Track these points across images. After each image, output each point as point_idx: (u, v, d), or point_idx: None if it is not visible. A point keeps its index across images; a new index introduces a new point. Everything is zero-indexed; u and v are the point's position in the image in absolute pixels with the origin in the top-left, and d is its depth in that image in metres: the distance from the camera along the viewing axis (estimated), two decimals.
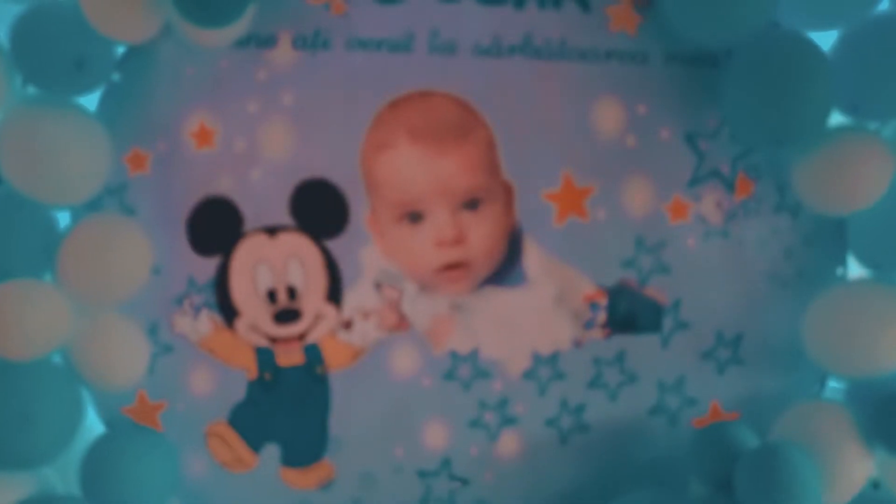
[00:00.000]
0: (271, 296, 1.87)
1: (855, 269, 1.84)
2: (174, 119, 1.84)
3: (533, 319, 1.89)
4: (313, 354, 1.90)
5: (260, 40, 1.82)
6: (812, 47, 1.66)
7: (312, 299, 1.88)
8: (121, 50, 1.79)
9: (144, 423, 1.90)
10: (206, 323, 1.88)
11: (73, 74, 1.64)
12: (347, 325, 1.89)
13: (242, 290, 1.87)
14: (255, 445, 1.92)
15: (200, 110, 1.84)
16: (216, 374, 1.90)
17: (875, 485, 1.84)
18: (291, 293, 1.87)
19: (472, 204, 1.83)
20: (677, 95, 1.83)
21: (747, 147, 1.83)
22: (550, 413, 1.91)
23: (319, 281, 1.87)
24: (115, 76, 1.82)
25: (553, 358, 1.90)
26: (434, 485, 1.93)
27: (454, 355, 1.90)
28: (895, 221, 1.72)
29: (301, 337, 1.89)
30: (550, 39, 1.81)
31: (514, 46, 1.82)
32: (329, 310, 1.88)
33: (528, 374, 1.90)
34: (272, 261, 1.86)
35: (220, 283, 1.87)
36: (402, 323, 1.89)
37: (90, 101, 1.80)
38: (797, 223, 1.86)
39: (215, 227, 1.86)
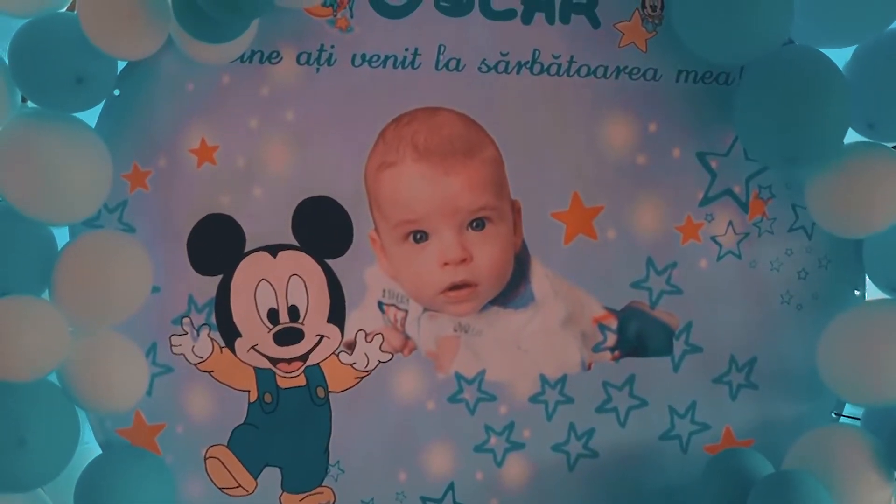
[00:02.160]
0: (272, 316, 1.83)
1: (873, 292, 1.79)
2: (175, 135, 1.80)
3: (540, 342, 1.84)
4: (315, 376, 1.85)
5: (263, 56, 1.79)
6: (828, 64, 1.62)
7: (314, 320, 1.83)
8: (122, 65, 1.76)
9: (141, 446, 1.85)
10: (206, 343, 1.84)
11: (73, 90, 1.60)
12: (350, 346, 1.84)
13: (243, 310, 1.83)
14: (255, 469, 1.88)
15: (201, 126, 1.80)
16: (216, 396, 1.86)
17: None
18: (293, 313, 1.83)
19: (478, 223, 1.79)
20: (689, 113, 1.78)
21: (761, 166, 1.78)
22: (558, 438, 1.86)
23: (322, 301, 1.83)
24: (116, 91, 1.78)
25: (561, 381, 1.85)
26: None
27: (459, 378, 1.85)
28: None
29: (303, 358, 1.85)
30: (559, 55, 1.78)
31: (521, 63, 1.78)
32: (331, 331, 1.84)
33: (535, 398, 1.85)
34: (274, 280, 1.82)
35: (221, 303, 1.83)
36: (406, 344, 1.85)
37: (89, 116, 1.77)
38: (812, 244, 1.81)
39: (216, 246, 1.82)
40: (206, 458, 1.87)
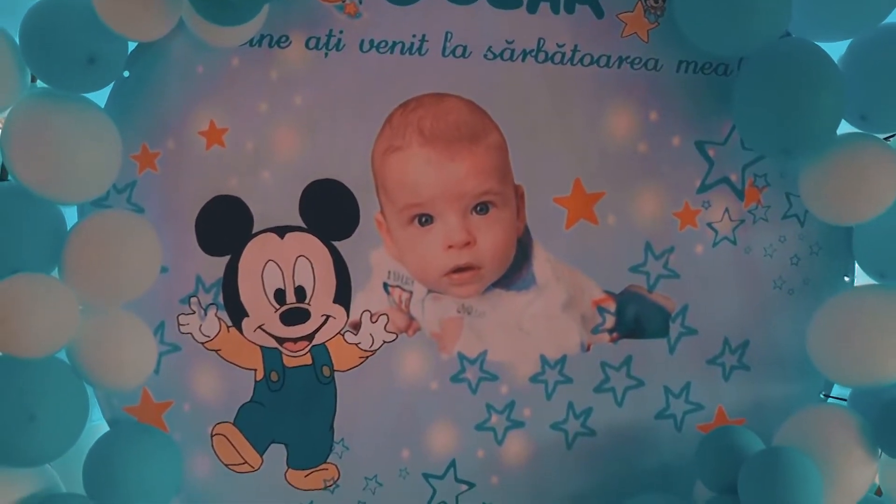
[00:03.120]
0: (279, 296, 1.86)
1: (862, 279, 1.86)
2: (184, 117, 1.83)
3: (541, 324, 1.89)
4: (321, 355, 1.89)
5: (272, 40, 1.81)
6: (823, 57, 1.68)
7: (321, 300, 1.87)
8: (131, 46, 1.77)
9: (149, 423, 1.88)
10: (214, 323, 1.87)
11: (84, 71, 1.61)
12: (355, 326, 1.88)
13: (250, 291, 1.86)
14: (261, 446, 1.91)
15: (211, 109, 1.83)
16: (223, 375, 1.89)
17: (877, 491, 1.86)
18: (300, 294, 1.87)
19: (482, 208, 1.84)
20: (689, 102, 1.84)
21: (757, 155, 1.84)
22: (557, 417, 1.92)
23: (328, 282, 1.87)
24: (125, 72, 1.80)
25: (560, 362, 1.90)
26: (440, 488, 1.93)
27: (462, 358, 1.90)
28: None
29: (308, 338, 1.88)
30: (563, 44, 1.82)
31: (526, 51, 1.82)
32: (337, 311, 1.88)
33: (536, 378, 1.91)
34: (281, 261, 1.86)
35: (228, 283, 1.86)
36: (410, 325, 1.89)
37: (98, 97, 1.79)
38: (805, 231, 1.87)
39: (224, 227, 1.85)
40: (212, 436, 1.90)
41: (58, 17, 1.64)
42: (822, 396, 1.93)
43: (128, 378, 1.79)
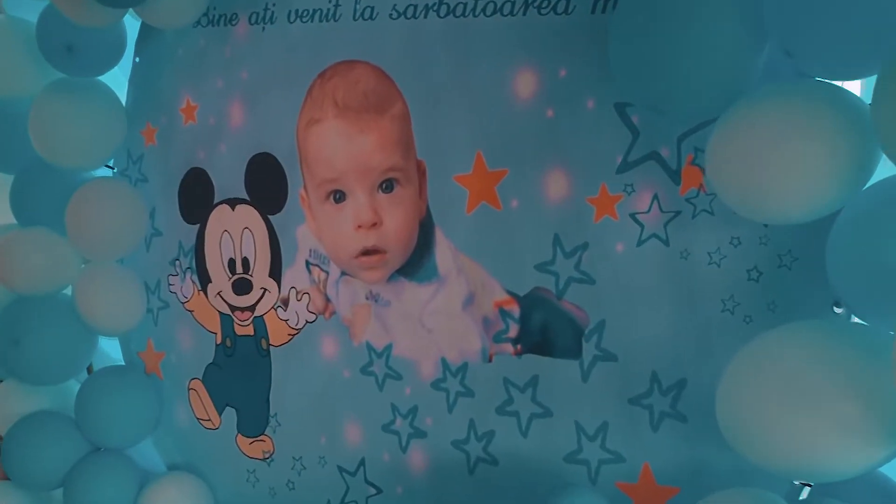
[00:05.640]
0: (231, 265, 1.93)
1: None
2: (170, 96, 1.99)
3: (442, 322, 1.63)
4: (260, 327, 1.91)
5: (225, 18, 1.87)
6: None
7: (260, 273, 1.89)
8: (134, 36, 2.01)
9: (151, 369, 2.12)
10: (189, 285, 2.02)
11: (67, 57, 1.89)
12: (285, 302, 1.86)
13: (212, 258, 1.96)
14: (219, 406, 2.01)
15: (187, 88, 1.96)
16: (196, 334, 2.02)
17: None
18: (245, 265, 1.91)
19: (387, 185, 1.65)
20: (605, 54, 1.39)
21: (699, 121, 1.32)
22: (458, 434, 1.64)
23: (264, 256, 1.87)
24: (137, 59, 2.05)
25: (462, 370, 1.62)
26: (352, 486, 1.80)
27: (370, 348, 1.74)
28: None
29: (251, 308, 1.92)
30: None
31: (428, 6, 1.58)
32: (272, 285, 1.87)
33: (437, 385, 1.65)
34: (232, 232, 1.92)
35: (199, 250, 1.99)
36: (327, 307, 1.79)
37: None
38: (770, 232, 1.28)
39: (196, 197, 1.98)
40: (189, 389, 2.06)
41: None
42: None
43: (116, 322, 2.03)
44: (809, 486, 1.29)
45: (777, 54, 1.13)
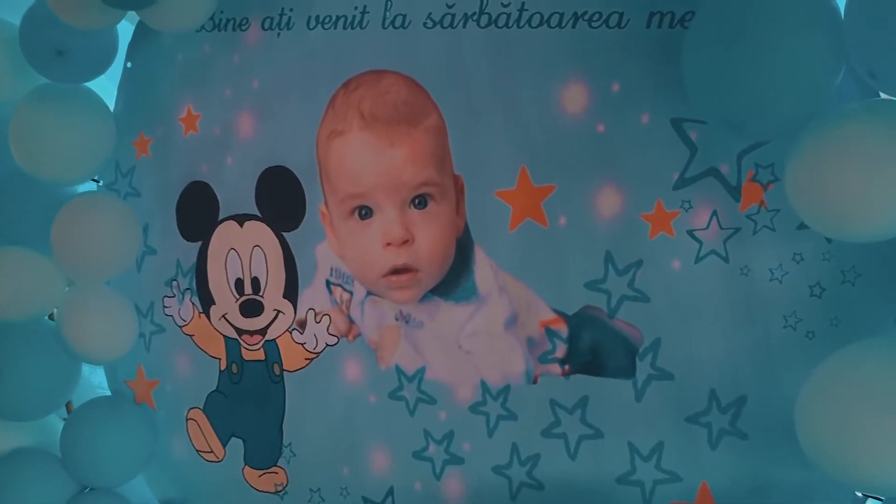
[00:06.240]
0: (239, 286, 1.82)
1: None
2: (168, 105, 1.88)
3: (482, 343, 1.58)
4: (272, 352, 1.81)
5: (235, 23, 1.78)
6: None
7: (272, 294, 1.79)
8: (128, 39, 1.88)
9: (142, 398, 1.98)
10: (189, 307, 1.90)
11: (55, 62, 1.75)
12: (302, 325, 1.76)
13: (216, 278, 1.85)
14: (223, 437, 1.89)
15: (187, 96, 1.85)
16: (196, 360, 1.90)
17: None
18: (255, 285, 1.81)
19: (420, 201, 1.59)
20: (663, 68, 1.37)
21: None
22: (500, 459, 1.58)
23: (278, 275, 1.78)
24: (128, 63, 1.92)
25: (504, 392, 1.57)
26: None
27: (400, 372, 1.66)
28: None
29: (262, 332, 1.81)
30: (508, 3, 1.49)
31: (467, 15, 1.53)
32: (286, 307, 1.78)
33: (476, 408, 1.60)
34: (240, 250, 1.81)
35: (200, 270, 1.87)
36: (350, 329, 1.71)
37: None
38: (833, 248, 1.29)
39: (197, 213, 1.86)
40: (187, 420, 1.93)
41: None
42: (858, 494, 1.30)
43: (104, 350, 1.89)
44: (880, 500, 1.29)
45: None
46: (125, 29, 1.88)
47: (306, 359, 1.77)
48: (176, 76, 1.86)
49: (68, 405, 2.06)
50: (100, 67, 1.86)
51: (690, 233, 1.38)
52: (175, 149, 1.88)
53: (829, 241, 1.29)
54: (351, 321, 1.71)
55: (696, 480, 1.41)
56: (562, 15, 1.45)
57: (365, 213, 1.64)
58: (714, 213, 1.36)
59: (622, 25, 1.40)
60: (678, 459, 1.43)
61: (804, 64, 1.12)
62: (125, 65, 1.93)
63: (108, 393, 2.03)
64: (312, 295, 1.74)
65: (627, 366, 1.45)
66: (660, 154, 1.39)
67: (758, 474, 1.37)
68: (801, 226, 1.30)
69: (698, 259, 1.38)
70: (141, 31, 1.88)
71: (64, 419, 2.04)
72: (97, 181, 1.98)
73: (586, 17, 1.43)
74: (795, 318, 1.33)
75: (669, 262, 1.40)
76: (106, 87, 1.95)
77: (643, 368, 1.44)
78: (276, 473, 1.83)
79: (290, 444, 1.80)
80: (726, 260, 1.36)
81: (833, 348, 1.24)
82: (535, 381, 1.53)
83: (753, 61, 1.12)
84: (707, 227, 1.37)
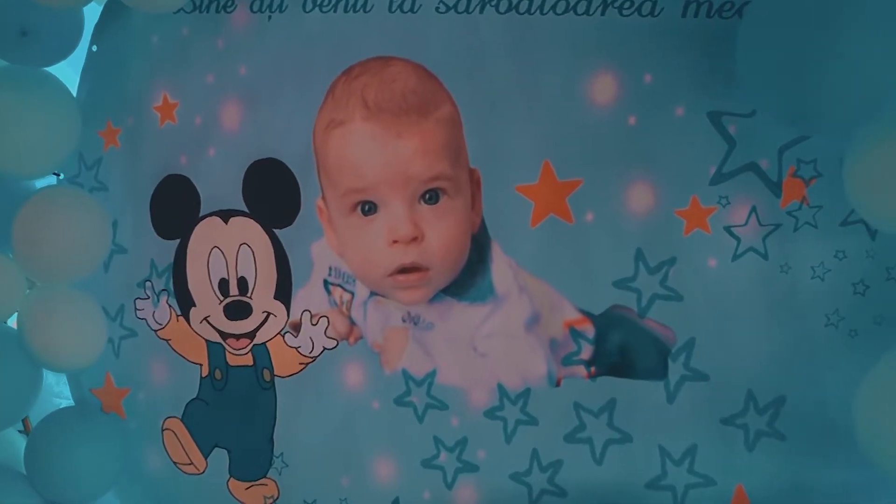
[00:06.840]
0: (224, 287, 1.69)
1: None
2: (141, 92, 1.72)
3: (500, 345, 1.50)
4: (261, 357, 1.68)
5: (219, 4, 1.64)
6: None
7: (262, 295, 1.66)
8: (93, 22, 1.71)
9: (110, 407, 1.82)
10: (165, 310, 1.75)
11: (19, 43, 1.57)
12: (295, 327, 1.64)
13: (197, 278, 1.71)
14: (205, 448, 1.76)
15: (164, 82, 1.70)
16: (173, 367, 1.76)
17: None
18: (242, 286, 1.67)
19: (431, 196, 1.49)
20: (699, 59, 1.33)
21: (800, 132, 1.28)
22: (518, 466, 1.51)
23: (269, 275, 1.65)
24: (94, 47, 1.75)
25: (523, 396, 1.50)
26: None
27: (407, 376, 1.57)
28: None
29: (250, 335, 1.68)
30: None
31: (485, 0, 1.44)
32: (278, 308, 1.65)
33: (492, 413, 1.52)
34: (225, 248, 1.68)
35: (178, 269, 1.73)
36: (351, 332, 1.60)
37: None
38: (877, 245, 1.27)
39: (175, 209, 1.72)
40: (163, 430, 1.78)
41: None
42: None
43: (71, 357, 1.72)
44: None
45: None
46: (92, 11, 1.71)
47: (301, 363, 1.65)
48: (149, 61, 1.71)
49: (25, 420, 1.87)
50: (65, 50, 1.70)
51: (728, 229, 1.34)
52: (149, 139, 1.72)
53: (873, 238, 1.27)
54: (352, 323, 1.60)
55: (732, 483, 1.38)
56: (590, 2, 1.38)
57: (368, 208, 1.53)
58: (753, 208, 1.33)
59: (655, 14, 1.35)
60: (712, 462, 1.39)
61: (870, 57, 1.08)
62: (90, 48, 1.76)
63: (70, 402, 1.86)
64: (308, 296, 1.63)
65: (659, 367, 1.40)
66: (695, 148, 1.35)
67: (796, 476, 1.34)
68: (845, 222, 1.28)
69: (736, 256, 1.34)
70: (110, 11, 1.72)
71: (20, 431, 1.87)
72: (58, 175, 1.80)
73: (616, 4, 1.37)
74: (838, 315, 1.30)
75: (705, 259, 1.36)
76: (65, 72, 1.77)
77: (676, 369, 1.39)
78: (266, 485, 1.71)
79: (281, 454, 1.68)
80: (765, 257, 1.33)
81: (876, 347, 1.24)
82: (557, 384, 1.47)
83: (821, 54, 1.08)
84: (745, 224, 1.34)
